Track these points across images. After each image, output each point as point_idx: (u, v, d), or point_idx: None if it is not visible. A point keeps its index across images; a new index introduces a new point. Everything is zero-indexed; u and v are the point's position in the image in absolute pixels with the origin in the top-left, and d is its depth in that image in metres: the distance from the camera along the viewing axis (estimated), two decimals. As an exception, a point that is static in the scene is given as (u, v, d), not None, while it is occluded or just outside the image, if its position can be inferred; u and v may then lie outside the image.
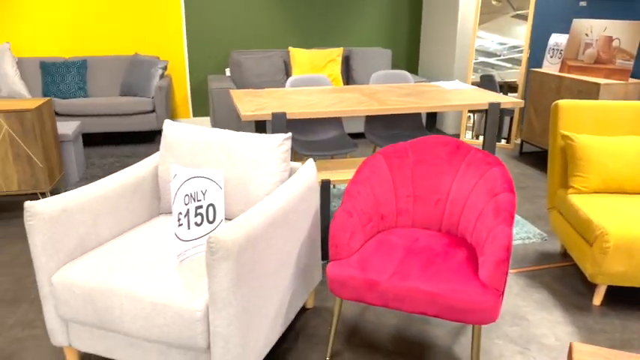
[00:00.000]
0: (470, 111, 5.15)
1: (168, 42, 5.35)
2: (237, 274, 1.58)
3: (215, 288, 1.57)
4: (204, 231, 1.85)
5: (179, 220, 1.77)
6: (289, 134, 2.08)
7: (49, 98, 3.49)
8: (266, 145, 2.06)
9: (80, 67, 4.92)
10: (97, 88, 5.06)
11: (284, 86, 5.17)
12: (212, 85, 4.80)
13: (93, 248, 1.96)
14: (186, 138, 2.19)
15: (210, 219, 1.86)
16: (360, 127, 5.11)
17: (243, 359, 1.68)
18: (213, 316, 1.60)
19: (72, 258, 1.88)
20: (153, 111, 4.88)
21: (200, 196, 1.82)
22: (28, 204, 1.74)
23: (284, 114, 2.67)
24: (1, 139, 3.15)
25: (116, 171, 4.09)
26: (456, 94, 3.14)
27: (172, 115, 5.61)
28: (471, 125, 5.15)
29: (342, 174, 2.69)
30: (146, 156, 4.62)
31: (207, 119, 5.75)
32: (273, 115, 2.67)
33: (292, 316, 2.04)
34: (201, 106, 5.68)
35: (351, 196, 2.06)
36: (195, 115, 5.71)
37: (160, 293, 1.66)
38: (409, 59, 6.07)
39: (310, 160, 2.20)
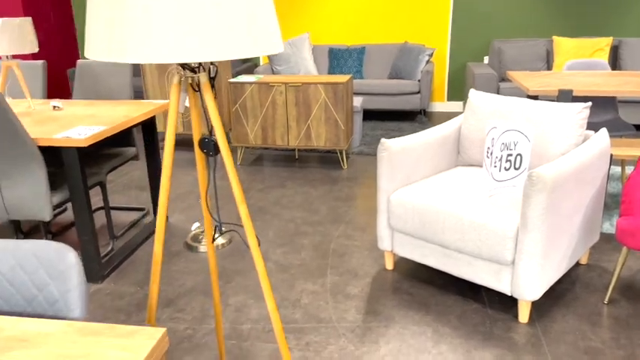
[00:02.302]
0: None
1: (433, 31, 5.92)
2: (547, 205, 1.98)
3: (529, 214, 1.99)
4: (511, 175, 2.29)
5: (494, 163, 2.23)
6: (589, 103, 2.37)
7: (351, 75, 4.32)
8: (566, 111, 2.39)
9: (360, 52, 5.82)
10: (371, 71, 5.90)
11: (544, 74, 5.27)
12: (475, 71, 5.20)
13: (416, 181, 2.56)
14: (488, 104, 2.64)
15: (517, 166, 2.29)
16: (632, 118, 4.94)
17: (540, 277, 2.07)
18: (523, 236, 2.03)
19: (403, 185, 2.50)
20: (418, 92, 5.50)
21: (512, 146, 2.25)
22: (383, 140, 2.40)
23: (571, 91, 2.94)
24: (319, 105, 4.07)
25: (376, 144, 4.82)
26: None
27: (429, 99, 6.18)
28: None
29: (629, 150, 2.84)
30: (409, 132, 5.27)
31: (459, 104, 6.18)
32: (560, 91, 2.95)
33: (577, 256, 2.34)
34: (456, 91, 6.13)
35: (645, 163, 2.26)
36: (449, 99, 6.19)
37: (478, 214, 2.15)
38: (691, 50, 5.53)
39: (604, 129, 2.45)
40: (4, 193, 2.34)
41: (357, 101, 4.70)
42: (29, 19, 2.81)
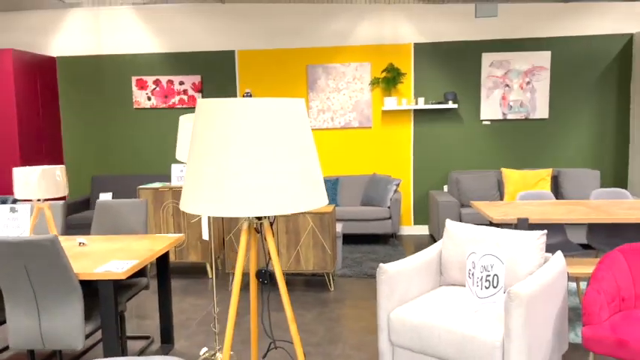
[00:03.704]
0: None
1: (398, 164, 6.67)
2: (525, 317, 2.39)
3: (511, 325, 2.39)
4: (491, 292, 2.72)
5: (477, 283, 2.67)
6: (545, 231, 2.91)
7: (334, 205, 4.84)
8: (528, 238, 2.91)
9: (334, 183, 6.44)
10: (345, 199, 6.49)
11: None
12: (439, 199, 5.86)
13: (409, 300, 2.94)
14: (463, 232, 3.15)
15: (495, 285, 2.72)
16: (576, 238, 5.60)
17: (526, 382, 2.41)
18: (508, 346, 2.40)
19: (399, 304, 2.88)
20: (389, 218, 6.06)
21: (489, 268, 2.71)
22: (382, 265, 2.82)
23: (527, 219, 3.51)
24: (307, 233, 4.50)
25: (363, 265, 5.24)
26: (678, 209, 3.64)
27: (399, 223, 6.76)
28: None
29: (581, 268, 3.36)
30: (383, 254, 5.72)
31: (425, 227, 6.77)
32: (519, 219, 3.52)
33: (551, 367, 2.71)
34: (421, 216, 6.75)
35: (596, 280, 2.75)
36: (415, 224, 6.79)
37: (468, 328, 2.53)
38: (617, 179, 6.46)
39: (559, 252, 2.96)
40: (43, 326, 2.55)
41: (338, 227, 5.17)
42: (63, 167, 3.21)
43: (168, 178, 6.64)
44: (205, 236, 2.86)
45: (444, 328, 2.60)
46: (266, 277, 1.86)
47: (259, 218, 1.80)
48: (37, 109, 6.45)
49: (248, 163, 1.57)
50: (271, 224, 1.81)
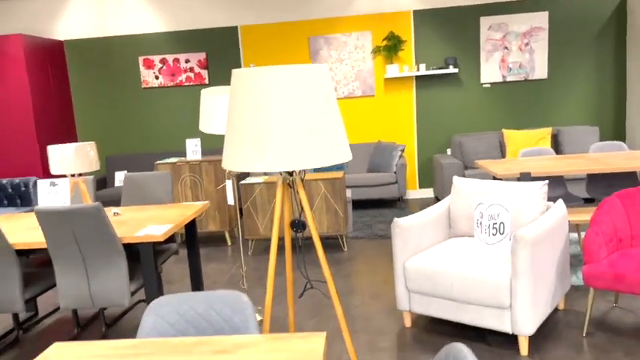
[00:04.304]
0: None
1: (402, 130, 6.87)
2: (531, 258, 2.63)
3: (517, 266, 2.63)
4: (498, 239, 2.96)
5: (485, 231, 2.90)
6: (547, 181, 3.13)
7: (344, 172, 5.06)
8: (531, 188, 3.13)
9: (341, 151, 6.64)
10: (353, 166, 6.71)
11: (501, 161, 6.19)
12: (443, 162, 6.07)
13: (422, 250, 3.19)
14: (470, 187, 3.37)
15: (501, 232, 2.96)
16: (577, 193, 5.83)
17: (532, 316, 2.67)
18: (515, 285, 2.65)
19: (413, 254, 3.12)
20: (395, 182, 6.30)
21: (496, 217, 2.95)
22: (396, 219, 3.05)
23: (529, 173, 3.73)
24: (320, 198, 4.74)
25: (372, 227, 5.49)
26: (672, 157, 3.85)
27: (405, 188, 6.99)
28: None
29: (581, 216, 3.59)
30: (391, 217, 5.97)
31: (430, 190, 7.01)
32: (521, 174, 3.74)
33: (557, 300, 2.96)
34: (426, 180, 6.98)
35: (595, 223, 2.99)
36: (420, 187, 7.02)
37: (479, 272, 2.78)
38: (616, 133, 6.66)
39: (560, 200, 3.19)
40: (92, 286, 2.81)
41: (348, 192, 5.40)
42: (93, 143, 3.42)
43: (180, 155, 6.85)
44: (230, 201, 3.09)
45: (456, 272, 2.85)
46: (299, 226, 2.08)
47: (291, 174, 2.02)
48: (50, 92, 6.63)
49: (281, 124, 1.78)
50: (302, 180, 2.03)
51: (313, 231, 2.03)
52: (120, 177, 6.81)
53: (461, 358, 1.16)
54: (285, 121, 1.78)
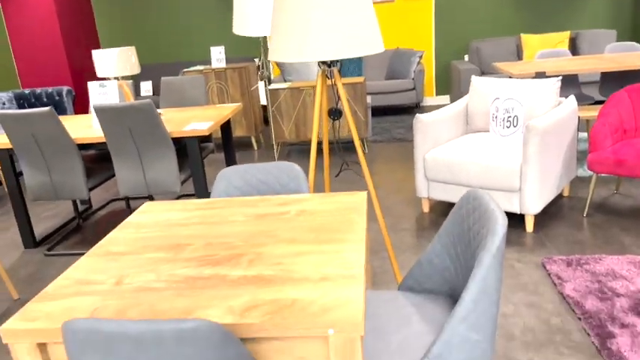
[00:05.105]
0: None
1: (420, 37, 6.92)
2: (540, 145, 2.91)
3: (528, 153, 2.92)
4: (511, 131, 3.22)
5: (499, 124, 3.16)
6: (560, 77, 3.33)
7: (363, 78, 5.25)
8: (544, 84, 3.34)
9: (359, 58, 6.76)
10: (371, 74, 6.86)
11: (517, 66, 6.29)
12: (460, 67, 6.20)
13: (441, 144, 3.48)
14: (488, 85, 3.59)
15: (515, 124, 3.22)
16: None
17: (538, 197, 3.00)
18: (525, 168, 2.96)
19: (433, 147, 3.42)
20: (413, 89, 6.47)
21: (510, 111, 3.19)
22: (417, 116, 3.32)
23: (544, 72, 3.91)
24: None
25: (391, 131, 5.76)
26: (684, 55, 3.99)
27: (422, 94, 7.16)
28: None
29: (591, 112, 3.82)
30: (409, 123, 6.21)
31: (446, 97, 7.17)
32: (536, 73, 3.93)
33: (562, 186, 3.28)
34: (443, 86, 7.13)
35: (602, 115, 3.22)
36: (437, 94, 7.18)
37: (492, 160, 3.07)
38: (634, 37, 6.66)
39: (572, 96, 3.41)
40: (147, 174, 3.17)
41: (368, 98, 5.61)
42: (133, 48, 3.65)
43: (204, 64, 7.02)
44: (263, 101, 3.34)
45: (472, 161, 3.15)
46: (336, 114, 2.36)
47: (329, 66, 2.26)
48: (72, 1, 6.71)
49: (322, 16, 2.00)
50: (339, 71, 2.27)
51: (348, 115, 2.31)
52: (146, 87, 7.04)
53: (479, 197, 1.48)
54: (325, 13, 2.00)
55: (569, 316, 2.26)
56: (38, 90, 5.98)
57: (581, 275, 2.53)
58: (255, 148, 5.65)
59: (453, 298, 1.65)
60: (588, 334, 2.11)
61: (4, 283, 3.05)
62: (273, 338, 1.12)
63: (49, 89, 6.00)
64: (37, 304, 1.23)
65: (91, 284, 1.32)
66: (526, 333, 2.18)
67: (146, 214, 1.78)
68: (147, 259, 1.43)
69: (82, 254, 3.33)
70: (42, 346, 1.17)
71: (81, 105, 7.04)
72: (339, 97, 2.21)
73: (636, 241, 2.87)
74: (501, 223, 1.31)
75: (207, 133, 3.09)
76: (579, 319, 2.22)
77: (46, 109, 2.98)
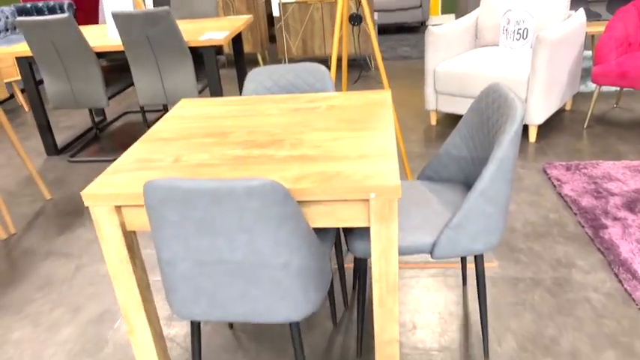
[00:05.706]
0: None
1: (428, -49, 6.73)
2: (549, 57, 3.01)
3: (536, 64, 3.02)
4: (521, 44, 3.30)
5: (509, 36, 3.23)
6: (572, -10, 3.36)
7: (371, -9, 5.18)
8: (555, -3, 3.38)
9: (365, -26, 6.61)
10: (376, -10, 6.74)
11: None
12: (468, -17, 6.10)
13: (451, 57, 3.56)
14: (501, 0, 3.61)
15: (525, 37, 3.30)
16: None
17: (542, 108, 3.14)
18: (533, 79, 3.07)
19: (442, 60, 3.50)
20: (420, 6, 6.40)
21: (521, 23, 3.25)
22: (429, 28, 3.37)
23: (555, -14, 3.91)
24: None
25: (397, 49, 5.77)
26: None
27: (428, 13, 7.08)
28: None
29: (597, 27, 3.87)
30: (414, 41, 6.20)
31: (452, 16, 7.10)
32: (547, -13, 3.93)
33: (565, 99, 3.41)
34: (448, 5, 7.03)
35: (609, 29, 3.29)
36: (442, 13, 7.10)
37: (502, 72, 3.18)
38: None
39: (581, 9, 3.46)
40: (165, 84, 3.26)
41: (375, 15, 5.58)
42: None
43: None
44: (276, 12, 3.38)
45: (481, 73, 3.25)
46: (357, 19, 2.43)
47: (351, -30, 2.31)
48: None
49: None
50: (360, -25, 2.32)
51: (369, 19, 2.39)
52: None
53: (499, 89, 1.62)
54: None
55: (566, 212, 2.48)
56: (40, 4, 5.87)
57: (579, 178, 2.72)
58: (262, 64, 5.67)
59: (467, 185, 1.83)
60: (583, 227, 2.34)
61: (36, 185, 3.23)
62: (319, 202, 1.30)
63: (51, 2, 5.89)
64: (109, 177, 1.40)
65: (152, 162, 1.47)
66: (526, 226, 2.40)
67: (184, 108, 1.92)
68: (197, 143, 1.58)
69: (105, 161, 3.49)
70: (117, 209, 1.34)
71: (82, 18, 6.93)
72: (359, 3, 2.28)
73: (632, 148, 3.05)
74: (520, 110, 1.46)
75: (223, 43, 3.15)
76: (575, 214, 2.43)
77: (64, 15, 3.01)
